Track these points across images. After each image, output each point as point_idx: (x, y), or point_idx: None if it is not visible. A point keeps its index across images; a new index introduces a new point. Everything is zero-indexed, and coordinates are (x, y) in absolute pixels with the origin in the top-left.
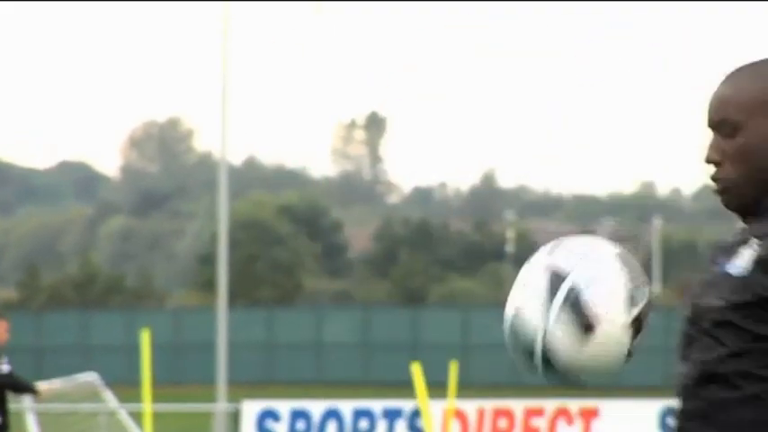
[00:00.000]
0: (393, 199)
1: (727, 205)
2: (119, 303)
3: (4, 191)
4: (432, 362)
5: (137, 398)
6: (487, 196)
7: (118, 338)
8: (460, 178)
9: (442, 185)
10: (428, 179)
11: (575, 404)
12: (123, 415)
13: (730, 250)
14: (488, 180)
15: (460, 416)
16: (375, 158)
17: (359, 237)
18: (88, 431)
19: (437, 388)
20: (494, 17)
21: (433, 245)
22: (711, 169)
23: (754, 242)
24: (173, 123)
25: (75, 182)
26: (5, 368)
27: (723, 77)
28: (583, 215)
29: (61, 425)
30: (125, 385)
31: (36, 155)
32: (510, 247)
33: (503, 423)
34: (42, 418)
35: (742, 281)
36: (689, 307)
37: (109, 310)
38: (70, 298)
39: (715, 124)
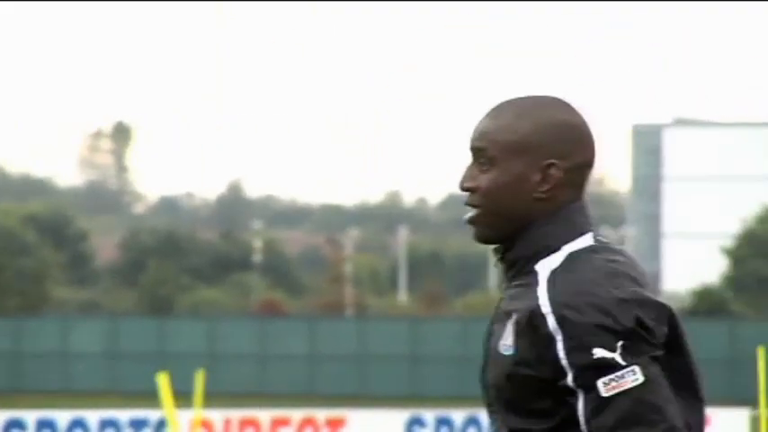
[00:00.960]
0: (140, 209)
1: (476, 237)
2: None
3: None
4: (179, 372)
5: None
6: (234, 205)
7: None
8: (208, 187)
9: (189, 195)
10: (175, 188)
11: (322, 414)
12: None
13: (502, 319)
14: (235, 189)
15: (207, 425)
16: (121, 168)
17: (106, 246)
18: None
19: (184, 398)
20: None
21: (181, 254)
22: (465, 195)
23: (514, 316)
24: None
25: None
26: None
27: (493, 108)
28: (330, 224)
29: None
30: None
31: None
32: (257, 257)
33: None
34: None
35: (511, 359)
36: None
37: None
38: None
39: (474, 152)
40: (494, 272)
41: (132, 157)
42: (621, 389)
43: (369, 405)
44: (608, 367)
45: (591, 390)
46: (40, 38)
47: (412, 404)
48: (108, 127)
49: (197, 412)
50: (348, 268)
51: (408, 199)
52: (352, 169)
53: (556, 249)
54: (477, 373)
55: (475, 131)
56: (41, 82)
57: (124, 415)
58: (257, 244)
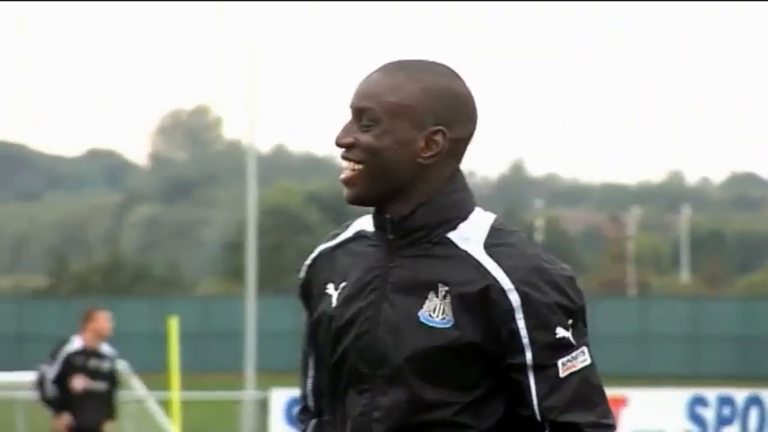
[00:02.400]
0: None
1: (349, 196)
2: (146, 291)
3: (31, 178)
4: None
5: (164, 386)
6: (516, 184)
7: (145, 326)
8: (489, 167)
9: (471, 174)
10: None
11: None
12: (151, 403)
13: (412, 289)
14: (517, 168)
15: None
16: None
17: None
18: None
19: None
20: (494, 17)
21: None
22: (344, 153)
23: (445, 288)
24: (201, 111)
25: (103, 169)
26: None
27: (381, 67)
28: (611, 204)
29: None
30: (152, 373)
31: (65, 143)
32: (539, 236)
33: None
34: None
35: (447, 332)
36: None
37: (136, 298)
38: (98, 285)
39: (356, 110)
40: None
41: None
42: (574, 369)
43: (650, 384)
44: (566, 347)
45: (548, 369)
46: (329, 23)
47: (693, 384)
48: None
49: None
50: (630, 247)
51: (691, 178)
52: (634, 148)
53: (463, 218)
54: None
55: (360, 91)
56: (326, 62)
57: None
58: (539, 223)
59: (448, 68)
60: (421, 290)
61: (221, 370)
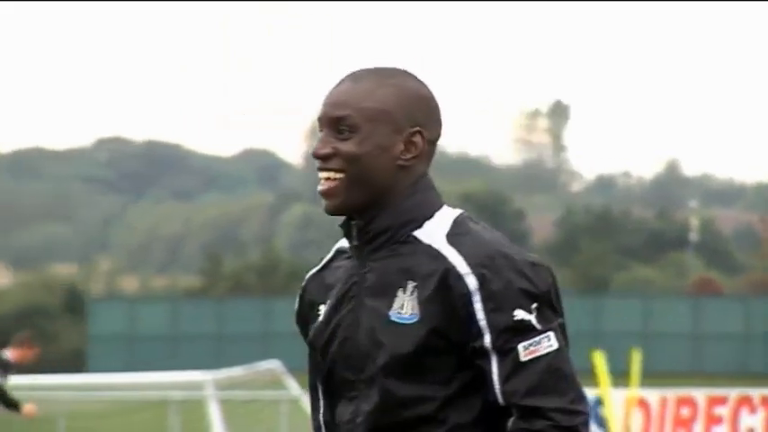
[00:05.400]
0: (576, 187)
1: (330, 208)
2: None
3: (187, 178)
4: (613, 350)
5: None
6: (671, 184)
7: None
8: (644, 167)
9: (626, 174)
10: (611, 167)
11: (756, 392)
12: (305, 402)
13: (381, 292)
14: (672, 168)
15: (643, 404)
16: (558, 147)
17: (541, 225)
18: (270, 419)
19: (619, 376)
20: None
21: (615, 233)
22: (322, 164)
23: (410, 284)
24: None
25: (258, 169)
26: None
27: (348, 76)
28: (765, 203)
29: (243, 412)
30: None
31: (220, 143)
32: (693, 236)
33: (685, 412)
34: (224, 405)
35: (416, 326)
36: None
37: (291, 297)
38: (252, 285)
39: (332, 120)
40: None
41: (569, 136)
42: (537, 354)
43: None
44: (527, 330)
45: (509, 353)
46: (488, 20)
47: None
48: (545, 106)
49: (632, 391)
50: None
51: None
52: None
53: (429, 216)
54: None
55: (332, 101)
56: (480, 62)
57: None
58: (694, 222)
59: (411, 73)
60: (390, 289)
61: None
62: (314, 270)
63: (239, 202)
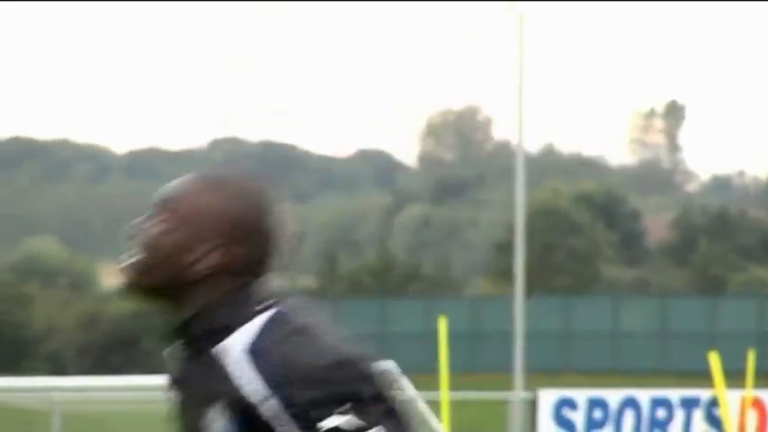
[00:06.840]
0: (692, 188)
1: (126, 284)
2: (416, 292)
3: (303, 179)
4: (729, 351)
5: (433, 386)
6: None
7: (415, 327)
8: (760, 166)
9: (741, 173)
10: (726, 167)
11: None
12: (420, 403)
13: (194, 400)
14: None
15: (758, 405)
16: (674, 147)
17: (657, 225)
18: None
19: (734, 377)
20: None
21: (732, 233)
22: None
23: (218, 404)
24: (471, 112)
25: (373, 170)
26: None
27: (188, 174)
28: None
29: None
30: (421, 373)
31: (335, 143)
32: None
33: None
34: None
35: None
36: None
37: (407, 298)
38: (368, 286)
39: (152, 206)
40: None
41: (685, 136)
42: None
43: None
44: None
45: None
46: (601, 22)
47: None
48: (661, 106)
49: (748, 392)
50: None
51: None
52: None
53: (227, 334)
54: None
55: (160, 191)
56: (594, 62)
57: (675, 394)
58: None
59: (256, 190)
60: (201, 403)
61: (490, 370)
62: None
63: (355, 203)
